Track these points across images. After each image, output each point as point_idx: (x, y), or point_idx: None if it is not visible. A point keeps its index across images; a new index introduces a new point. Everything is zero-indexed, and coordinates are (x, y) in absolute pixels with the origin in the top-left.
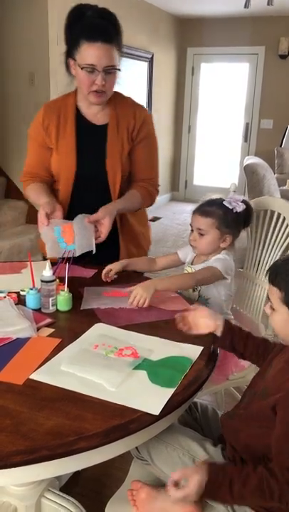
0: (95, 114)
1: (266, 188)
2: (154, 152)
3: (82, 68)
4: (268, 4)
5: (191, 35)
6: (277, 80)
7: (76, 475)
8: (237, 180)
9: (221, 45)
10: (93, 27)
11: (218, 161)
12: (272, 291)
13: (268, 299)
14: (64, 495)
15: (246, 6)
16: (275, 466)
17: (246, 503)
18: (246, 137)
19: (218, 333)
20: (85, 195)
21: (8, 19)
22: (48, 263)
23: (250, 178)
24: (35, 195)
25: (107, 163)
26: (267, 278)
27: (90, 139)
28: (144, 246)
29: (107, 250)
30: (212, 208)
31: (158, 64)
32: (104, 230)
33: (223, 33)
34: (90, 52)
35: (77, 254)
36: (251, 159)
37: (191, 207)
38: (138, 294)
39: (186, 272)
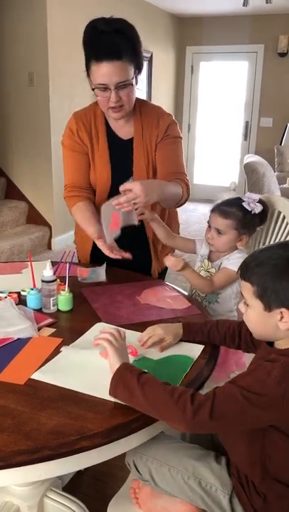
0: (121, 127)
1: (266, 186)
2: (179, 151)
3: (94, 88)
4: (267, 2)
5: (190, 33)
6: (277, 78)
7: (78, 474)
8: (237, 178)
9: (220, 44)
10: (100, 46)
11: (218, 160)
12: (244, 287)
13: (242, 296)
14: (66, 494)
15: (245, 4)
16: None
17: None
18: (246, 135)
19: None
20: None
21: (7, 19)
22: (48, 263)
23: (250, 176)
24: (83, 220)
25: (134, 178)
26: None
27: (119, 153)
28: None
29: (138, 257)
30: (232, 209)
31: (157, 63)
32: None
33: (222, 32)
34: (99, 72)
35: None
36: (251, 157)
37: (191, 206)
38: (173, 261)
39: (201, 264)
